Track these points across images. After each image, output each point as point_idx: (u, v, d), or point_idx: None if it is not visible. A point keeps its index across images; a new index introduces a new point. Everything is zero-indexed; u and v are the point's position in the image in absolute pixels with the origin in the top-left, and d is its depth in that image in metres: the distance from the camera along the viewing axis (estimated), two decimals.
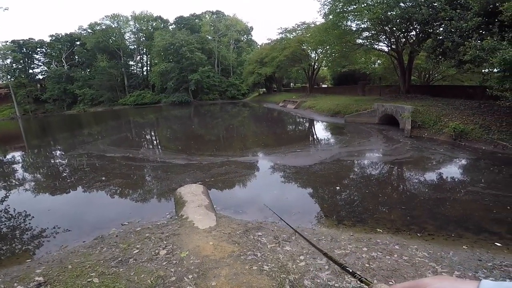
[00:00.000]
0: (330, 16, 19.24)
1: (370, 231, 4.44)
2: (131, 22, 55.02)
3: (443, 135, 11.47)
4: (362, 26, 18.71)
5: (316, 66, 33.49)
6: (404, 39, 17.45)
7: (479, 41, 9.98)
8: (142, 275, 3.05)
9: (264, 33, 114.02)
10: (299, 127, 19.48)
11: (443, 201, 5.65)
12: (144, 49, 56.94)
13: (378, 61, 27.33)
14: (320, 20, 24.37)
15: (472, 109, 12.21)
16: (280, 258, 3.34)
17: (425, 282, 0.48)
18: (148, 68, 57.66)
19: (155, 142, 15.78)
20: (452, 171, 8.01)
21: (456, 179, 7.27)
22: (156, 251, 3.61)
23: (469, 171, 8.16)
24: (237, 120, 23.23)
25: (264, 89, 49.39)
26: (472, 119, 11.29)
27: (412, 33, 16.43)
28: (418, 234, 4.31)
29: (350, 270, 0.72)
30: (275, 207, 5.55)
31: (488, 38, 9.52)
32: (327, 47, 23.38)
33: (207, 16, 57.59)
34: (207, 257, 3.35)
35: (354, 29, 19.48)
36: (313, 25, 28.38)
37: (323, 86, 44.13)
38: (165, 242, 3.84)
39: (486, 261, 3.38)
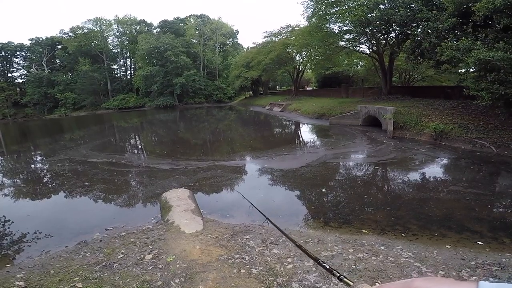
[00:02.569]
0: (313, 19, 19.58)
1: (356, 232, 4.47)
2: (114, 26, 53.90)
3: (424, 135, 11.82)
4: (344, 28, 19.15)
5: (301, 69, 33.89)
6: (384, 41, 17.95)
7: (454, 42, 10.23)
8: (128, 280, 2.98)
9: (250, 37, 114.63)
10: (286, 130, 19.58)
11: (426, 201, 5.77)
12: (128, 53, 55.88)
13: (361, 63, 28.02)
14: (304, 23, 24.74)
15: (450, 109, 12.65)
16: (268, 261, 3.30)
17: (416, 285, 0.44)
18: (132, 71, 56.60)
19: (139, 147, 15.43)
20: (434, 170, 8.24)
21: (438, 179, 7.48)
22: (142, 255, 3.53)
23: (451, 170, 8.42)
24: (223, 124, 23.10)
25: (251, 92, 49.52)
26: (451, 119, 11.69)
27: (392, 34, 16.91)
28: (403, 234, 4.36)
29: (327, 267, 0.61)
30: (262, 210, 5.51)
31: (463, 38, 9.76)
32: (311, 49, 23.71)
33: (191, 19, 57.18)
34: (194, 261, 3.29)
35: (336, 31, 19.93)
36: (297, 28, 28.72)
37: (308, 88, 44.68)
38: (151, 247, 3.75)
39: (469, 260, 3.44)
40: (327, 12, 18.54)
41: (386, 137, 12.55)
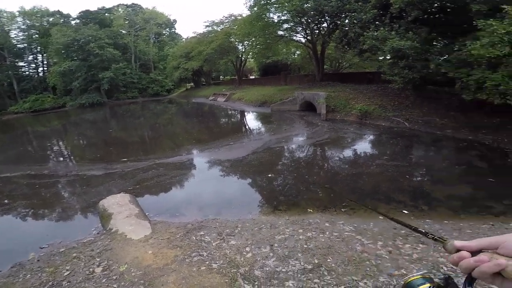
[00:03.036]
0: (255, 8, 19.91)
1: (303, 213, 4.77)
2: (19, 18, 45.13)
3: (352, 116, 13.23)
4: (283, 18, 20.04)
5: (243, 58, 34.04)
6: (317, 31, 19.29)
7: (375, 32, 11.31)
8: None
9: (190, 26, 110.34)
10: (231, 119, 19.66)
11: (359, 176, 6.49)
12: (39, 48, 47.70)
13: (298, 52, 29.55)
14: (246, 12, 25.00)
15: (372, 92, 14.39)
16: (228, 253, 3.35)
17: (503, 237, 0.53)
18: (45, 68, 48.76)
19: (64, 153, 13.59)
20: (363, 147, 9.33)
21: (367, 154, 8.50)
22: (91, 269, 3.28)
23: (375, 145, 9.61)
24: (164, 118, 21.86)
25: (192, 84, 47.77)
26: (373, 100, 13.34)
27: (324, 24, 18.30)
28: (343, 210, 4.78)
29: (423, 231, 0.72)
30: (213, 203, 5.51)
31: (382, 28, 10.87)
32: (253, 38, 24.13)
33: (120, 9, 51.60)
34: (150, 267, 3.17)
35: (276, 21, 20.68)
36: (240, 18, 28.59)
37: (251, 77, 45.12)
38: (99, 259, 3.49)
39: (399, 229, 3.86)
40: (268, 1, 19.01)
41: (321, 120, 13.67)
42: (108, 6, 53.16)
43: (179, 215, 5.14)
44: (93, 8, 57.60)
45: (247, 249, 3.43)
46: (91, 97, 40.63)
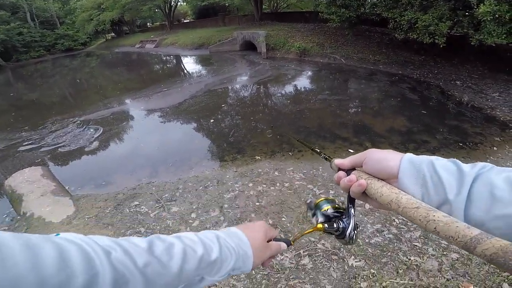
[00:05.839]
0: None
1: (250, 161, 4.16)
2: None
3: (292, 53, 12.56)
4: None
5: (173, 2, 29.24)
6: None
7: None
8: None
9: None
10: (164, 65, 17.11)
11: (302, 113, 6.05)
12: None
13: None
14: None
15: (309, 31, 13.72)
16: (170, 225, 2.70)
17: (364, 154, 0.48)
18: None
19: None
20: (304, 83, 8.89)
21: (308, 89, 8.11)
22: None
23: (316, 81, 9.25)
24: (83, 72, 17.72)
25: (113, 34, 40.76)
26: (311, 38, 12.75)
27: None
28: (290, 154, 4.28)
29: (318, 151, 0.68)
30: (146, 163, 4.50)
31: None
32: None
33: None
34: None
35: None
36: None
37: (185, 21, 39.73)
38: None
39: None
40: None
41: (262, 58, 12.84)
42: None
43: (106, 184, 4.07)
44: None
45: (193, 215, 2.81)
46: None
